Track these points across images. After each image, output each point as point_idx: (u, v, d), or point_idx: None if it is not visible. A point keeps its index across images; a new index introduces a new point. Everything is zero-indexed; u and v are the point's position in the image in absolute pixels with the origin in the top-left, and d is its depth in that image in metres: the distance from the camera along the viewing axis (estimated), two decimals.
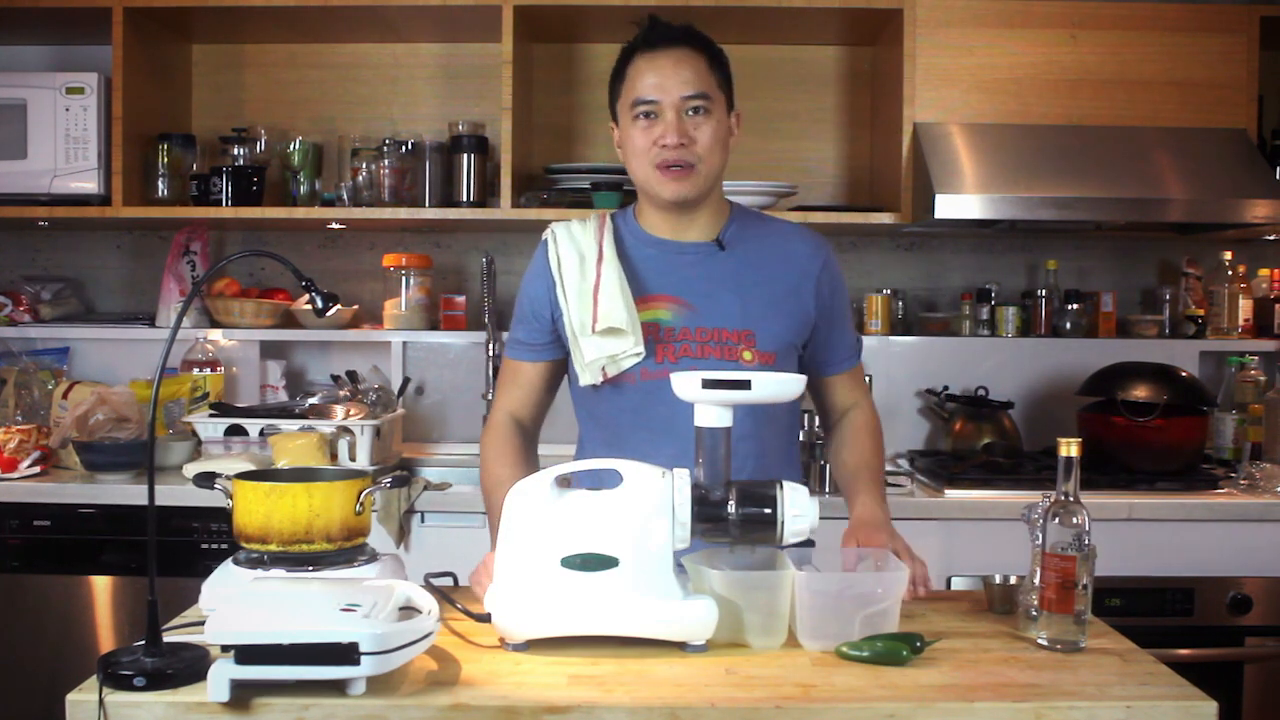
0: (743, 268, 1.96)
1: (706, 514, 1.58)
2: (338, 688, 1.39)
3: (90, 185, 3.14)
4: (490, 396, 3.35)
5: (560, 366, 2.04)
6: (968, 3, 3.09)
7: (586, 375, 1.92)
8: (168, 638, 1.50)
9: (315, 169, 3.40)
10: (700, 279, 1.94)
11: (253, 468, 2.64)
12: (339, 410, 2.96)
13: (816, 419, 3.05)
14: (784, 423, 2.04)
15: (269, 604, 1.44)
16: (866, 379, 3.12)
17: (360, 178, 3.24)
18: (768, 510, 1.58)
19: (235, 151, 3.30)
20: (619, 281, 1.91)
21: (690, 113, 1.88)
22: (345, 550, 1.71)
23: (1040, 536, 1.65)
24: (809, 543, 1.99)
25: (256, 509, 1.67)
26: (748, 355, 1.91)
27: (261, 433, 2.96)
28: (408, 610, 1.52)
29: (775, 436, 2.00)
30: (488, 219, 3.21)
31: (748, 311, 1.93)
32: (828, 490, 2.87)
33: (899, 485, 2.89)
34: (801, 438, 2.77)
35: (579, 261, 1.95)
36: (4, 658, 2.85)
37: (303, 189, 3.35)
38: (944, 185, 2.92)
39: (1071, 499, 1.62)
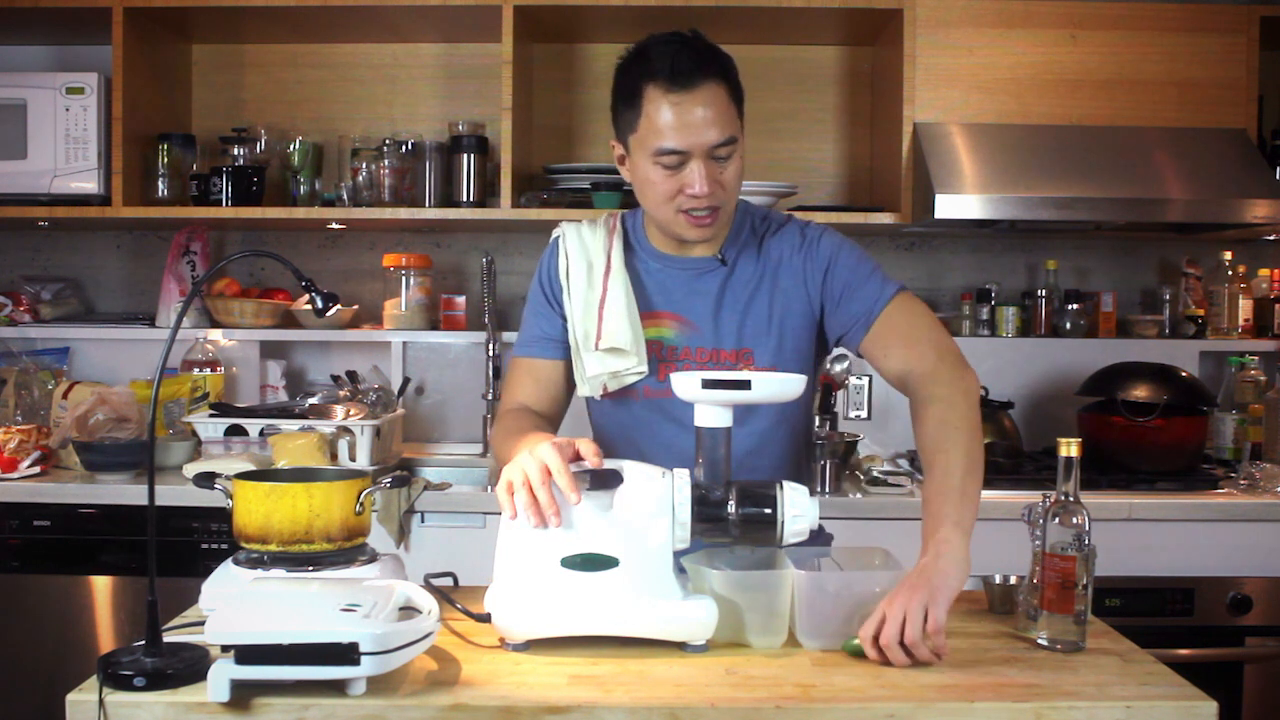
0: (741, 283, 1.92)
1: (706, 514, 1.58)
2: (338, 688, 1.38)
3: (90, 185, 3.14)
4: (490, 396, 3.34)
5: None
6: (968, 3, 3.09)
7: (586, 388, 1.92)
8: (168, 638, 1.50)
9: (315, 169, 3.39)
10: (701, 296, 1.92)
11: (253, 468, 2.64)
12: (339, 410, 2.96)
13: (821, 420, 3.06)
14: (801, 429, 2.01)
15: (269, 604, 1.44)
16: (866, 380, 3.15)
17: (360, 178, 3.24)
18: (768, 510, 1.58)
19: (235, 151, 3.29)
20: (626, 298, 1.89)
21: (716, 157, 1.79)
22: (345, 550, 1.71)
23: (1040, 536, 1.65)
24: (828, 538, 1.97)
25: (256, 509, 1.67)
26: None
27: (261, 433, 2.96)
28: (408, 610, 1.51)
29: (792, 442, 1.98)
30: (488, 219, 3.21)
31: (744, 330, 1.90)
32: (828, 490, 2.87)
33: (899, 485, 2.89)
34: None
35: (586, 270, 1.93)
36: (4, 658, 2.85)
37: (303, 189, 3.35)
38: (944, 185, 2.92)
39: (1071, 499, 1.62)
